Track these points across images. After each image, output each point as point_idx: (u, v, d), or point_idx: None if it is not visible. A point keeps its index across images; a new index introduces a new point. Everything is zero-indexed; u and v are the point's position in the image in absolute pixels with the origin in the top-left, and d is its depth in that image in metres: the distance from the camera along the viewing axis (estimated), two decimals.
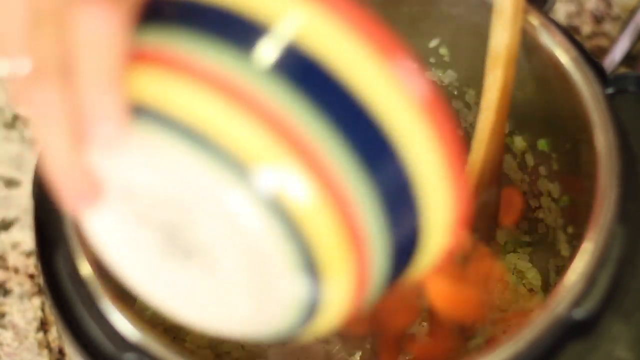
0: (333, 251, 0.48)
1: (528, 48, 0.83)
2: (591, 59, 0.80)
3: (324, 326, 0.52)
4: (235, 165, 0.47)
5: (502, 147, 0.83)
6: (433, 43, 0.91)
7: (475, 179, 0.81)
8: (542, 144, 0.88)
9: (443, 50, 0.91)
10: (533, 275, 0.93)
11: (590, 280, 0.69)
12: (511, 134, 0.91)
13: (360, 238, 0.49)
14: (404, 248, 0.51)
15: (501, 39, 0.77)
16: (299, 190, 0.47)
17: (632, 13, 0.98)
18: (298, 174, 0.47)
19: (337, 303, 0.50)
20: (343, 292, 0.50)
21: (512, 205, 0.96)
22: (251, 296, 0.51)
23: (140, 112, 0.49)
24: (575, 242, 0.83)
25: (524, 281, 0.93)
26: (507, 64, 0.78)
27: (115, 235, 0.55)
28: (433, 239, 0.52)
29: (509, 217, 0.95)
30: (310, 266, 0.48)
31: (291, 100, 0.48)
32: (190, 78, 0.48)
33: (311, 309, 0.50)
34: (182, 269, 0.53)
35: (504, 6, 0.75)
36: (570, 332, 0.68)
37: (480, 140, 0.82)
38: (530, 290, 0.92)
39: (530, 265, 0.93)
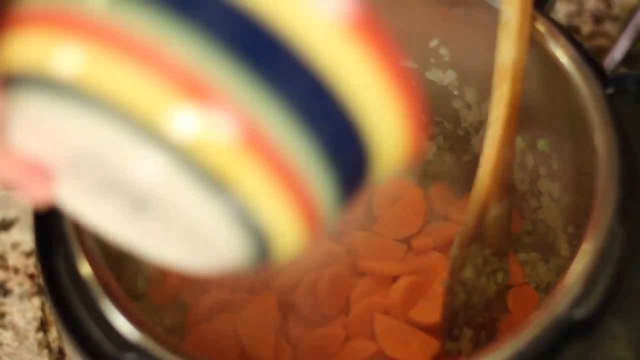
0: (260, 186, 0.47)
1: (532, 52, 0.83)
2: (591, 59, 0.80)
3: (287, 252, 0.51)
4: (139, 118, 0.44)
5: (511, 162, 0.82)
6: (433, 43, 0.91)
7: (485, 194, 0.80)
8: (541, 144, 0.88)
9: (443, 50, 0.91)
10: (544, 272, 0.93)
11: (590, 280, 0.69)
12: None
13: (290, 169, 0.46)
14: (351, 165, 0.49)
15: (508, 52, 0.75)
16: (215, 132, 0.44)
17: (632, 13, 0.98)
18: (211, 116, 0.44)
19: (287, 233, 0.49)
20: (286, 222, 0.48)
21: (512, 216, 0.96)
22: (195, 240, 0.50)
23: (24, 80, 0.46)
24: (575, 242, 0.83)
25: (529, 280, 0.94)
26: (515, 78, 0.77)
27: (79, 201, 0.54)
28: (386, 151, 0.50)
29: (514, 227, 0.95)
30: (241, 207, 0.46)
31: (191, 40, 0.44)
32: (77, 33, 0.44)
33: (259, 244, 0.49)
34: (141, 221, 0.52)
35: (510, 19, 0.74)
36: (571, 332, 0.68)
37: (489, 155, 0.80)
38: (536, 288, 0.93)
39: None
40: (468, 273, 0.82)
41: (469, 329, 0.84)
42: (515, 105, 0.78)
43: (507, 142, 0.79)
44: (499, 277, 0.84)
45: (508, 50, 0.75)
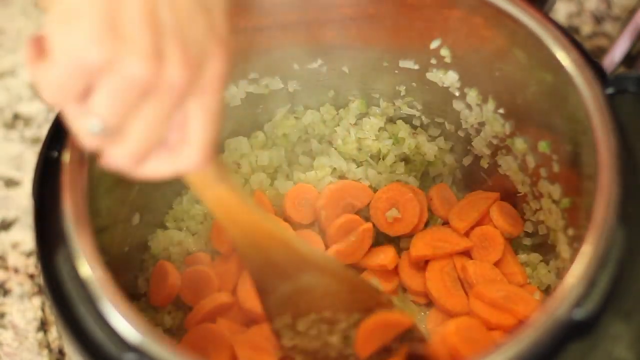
0: None
1: (528, 48, 0.83)
2: (591, 59, 0.80)
3: None
4: None
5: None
6: (434, 44, 0.91)
7: None
8: (542, 146, 0.87)
9: (444, 52, 0.91)
10: (544, 274, 0.93)
11: (591, 281, 0.69)
12: (512, 135, 0.92)
13: None
14: None
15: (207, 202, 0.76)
16: None
17: (632, 13, 0.98)
18: None
19: None
20: None
21: (513, 218, 0.96)
22: None
23: None
24: (575, 244, 0.83)
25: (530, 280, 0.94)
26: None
27: None
28: None
29: (515, 229, 0.96)
30: None
31: None
32: None
33: None
34: None
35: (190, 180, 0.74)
36: (571, 332, 0.68)
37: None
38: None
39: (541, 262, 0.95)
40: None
41: None
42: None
43: None
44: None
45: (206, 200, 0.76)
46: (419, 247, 0.95)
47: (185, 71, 0.62)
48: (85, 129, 0.62)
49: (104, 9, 0.60)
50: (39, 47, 0.61)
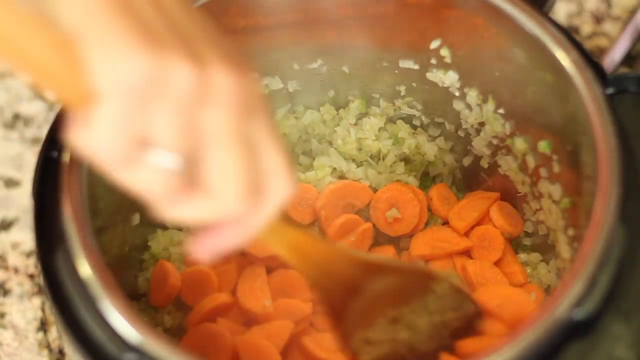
0: None
1: (528, 48, 0.83)
2: (591, 59, 0.80)
3: None
4: None
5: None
6: (434, 44, 0.91)
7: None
8: (542, 146, 0.87)
9: (444, 52, 0.91)
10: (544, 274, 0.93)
11: (591, 281, 0.69)
12: (512, 135, 0.92)
13: None
14: None
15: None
16: None
17: (632, 13, 0.98)
18: None
19: None
20: None
21: (513, 218, 0.96)
22: None
23: None
24: (575, 245, 0.83)
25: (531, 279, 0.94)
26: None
27: None
28: None
29: (515, 229, 0.96)
30: None
31: None
32: None
33: None
34: None
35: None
36: (571, 332, 0.68)
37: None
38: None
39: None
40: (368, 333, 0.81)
41: None
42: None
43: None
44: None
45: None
46: (419, 247, 0.95)
47: (231, 72, 0.56)
48: (156, 172, 0.56)
49: (122, 10, 0.53)
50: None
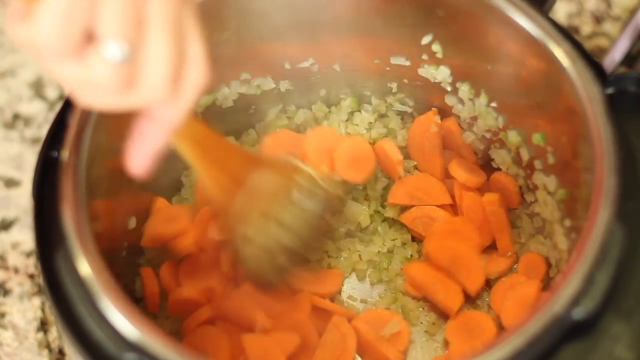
0: None
1: (528, 48, 0.83)
2: (591, 59, 0.80)
3: None
4: None
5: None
6: (425, 40, 0.91)
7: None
8: (537, 138, 0.88)
9: (435, 47, 0.91)
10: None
11: (589, 279, 0.69)
12: (505, 128, 0.92)
13: None
14: None
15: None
16: None
17: (632, 13, 0.98)
18: None
19: None
20: None
21: (508, 189, 0.96)
22: None
23: None
24: (572, 235, 0.83)
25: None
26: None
27: None
28: None
29: (511, 200, 0.96)
30: None
31: None
32: None
33: None
34: None
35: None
36: (570, 331, 0.68)
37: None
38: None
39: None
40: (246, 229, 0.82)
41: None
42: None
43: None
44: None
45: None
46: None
47: None
48: (105, 65, 0.56)
49: None
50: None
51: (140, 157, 0.64)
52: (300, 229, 0.83)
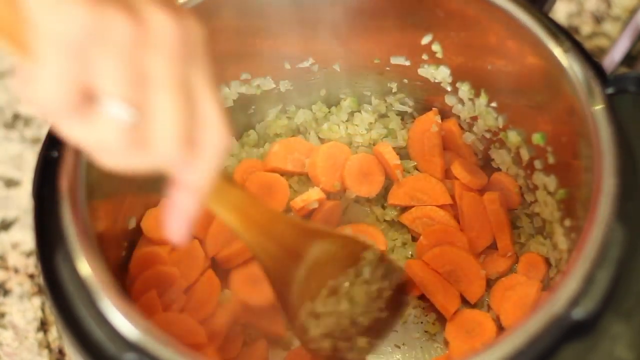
0: None
1: (528, 48, 0.83)
2: (591, 59, 0.80)
3: None
4: None
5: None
6: (425, 40, 0.91)
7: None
8: (537, 138, 0.88)
9: (435, 47, 0.91)
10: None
11: (589, 279, 0.69)
12: (505, 128, 0.92)
13: None
14: None
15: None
16: None
17: (632, 13, 0.98)
18: None
19: None
20: None
21: (508, 190, 0.96)
22: None
23: None
24: (572, 235, 0.83)
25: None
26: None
27: None
28: None
29: (512, 201, 0.95)
30: None
31: None
32: None
33: None
34: None
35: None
36: (570, 331, 0.68)
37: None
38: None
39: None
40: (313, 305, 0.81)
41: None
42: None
43: None
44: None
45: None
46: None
47: (169, 16, 0.56)
48: (110, 125, 0.56)
49: None
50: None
51: (176, 225, 0.64)
52: (367, 301, 0.82)
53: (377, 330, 0.83)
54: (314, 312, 0.80)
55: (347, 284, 0.81)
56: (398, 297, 0.84)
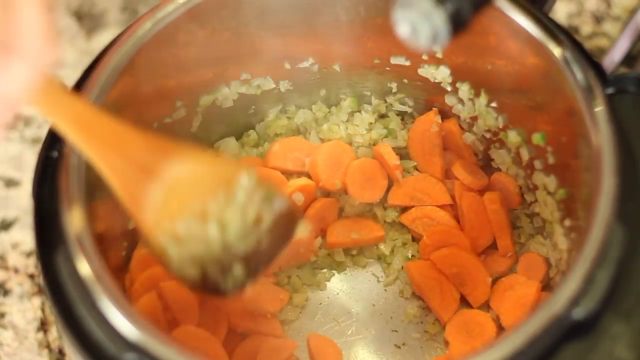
0: None
1: (528, 48, 0.83)
2: (591, 59, 0.80)
3: None
4: None
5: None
6: None
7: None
8: (537, 138, 0.88)
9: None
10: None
11: (589, 279, 0.69)
12: (505, 128, 0.92)
13: None
14: None
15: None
16: None
17: (632, 13, 0.98)
18: None
19: None
20: None
21: (508, 190, 0.96)
22: None
23: None
24: (572, 235, 0.83)
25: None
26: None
27: None
28: None
29: (512, 201, 0.95)
30: None
31: None
32: None
33: None
34: None
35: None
36: (570, 331, 0.68)
37: None
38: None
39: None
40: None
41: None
42: None
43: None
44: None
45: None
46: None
47: None
48: None
49: None
50: None
51: None
52: (248, 233, 0.77)
53: (256, 261, 0.78)
54: (174, 233, 0.76)
55: (215, 207, 0.76)
56: (284, 226, 0.79)
